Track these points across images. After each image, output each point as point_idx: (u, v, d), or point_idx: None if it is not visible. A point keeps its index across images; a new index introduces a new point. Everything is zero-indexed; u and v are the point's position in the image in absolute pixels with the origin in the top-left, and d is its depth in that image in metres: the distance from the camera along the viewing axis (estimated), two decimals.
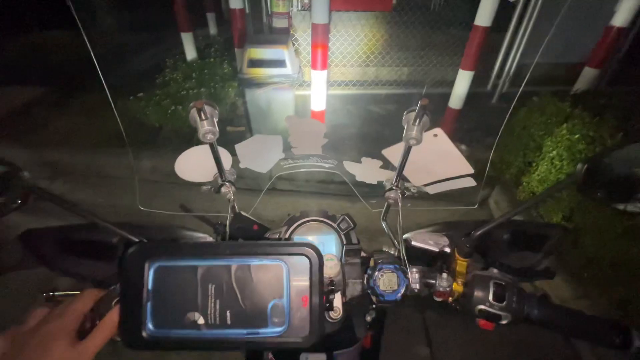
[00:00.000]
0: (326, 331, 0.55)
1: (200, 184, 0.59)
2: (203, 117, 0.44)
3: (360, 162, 0.65)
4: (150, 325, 0.39)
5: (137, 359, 1.58)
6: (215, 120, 0.46)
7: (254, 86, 2.51)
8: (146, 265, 0.39)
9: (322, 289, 0.39)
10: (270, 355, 0.67)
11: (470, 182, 0.57)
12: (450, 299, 0.53)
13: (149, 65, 3.40)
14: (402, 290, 0.49)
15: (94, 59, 0.66)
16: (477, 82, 3.07)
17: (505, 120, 0.74)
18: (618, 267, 1.68)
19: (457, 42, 3.36)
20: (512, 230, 0.63)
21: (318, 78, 2.40)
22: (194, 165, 0.56)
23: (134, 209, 0.66)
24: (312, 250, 0.39)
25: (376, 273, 0.50)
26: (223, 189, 0.57)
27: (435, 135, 0.52)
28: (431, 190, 0.62)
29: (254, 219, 0.63)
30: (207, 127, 0.44)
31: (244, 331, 0.39)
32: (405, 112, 0.48)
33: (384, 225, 0.63)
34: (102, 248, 0.56)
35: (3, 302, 1.80)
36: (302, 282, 0.39)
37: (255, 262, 0.39)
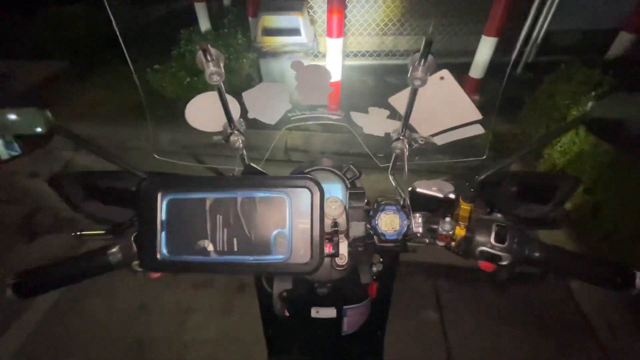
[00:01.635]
0: (332, 278, 0.58)
1: (210, 134, 0.61)
2: (209, 58, 0.45)
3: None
4: (164, 251, 0.42)
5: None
6: (222, 64, 0.47)
7: (269, 56, 2.49)
8: (159, 197, 0.42)
9: (322, 218, 0.41)
10: (282, 306, 0.70)
11: (479, 130, 0.56)
12: (452, 243, 0.54)
13: (164, 37, 3.41)
14: (404, 230, 0.51)
15: (119, 35, 0.68)
16: (502, 50, 2.92)
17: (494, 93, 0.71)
18: (638, 241, 1.64)
19: (483, 9, 3.17)
20: (521, 182, 0.62)
21: (333, 46, 2.35)
22: (204, 113, 0.58)
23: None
24: (312, 183, 0.41)
25: (378, 214, 0.51)
26: (232, 138, 0.59)
27: (442, 78, 0.51)
28: (439, 140, 0.61)
29: (264, 171, 0.65)
30: (212, 68, 0.45)
31: (250, 257, 0.41)
32: (411, 54, 0.48)
33: (391, 178, 0.64)
34: (122, 194, 0.60)
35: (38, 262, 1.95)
36: (304, 212, 0.41)
37: (259, 194, 0.42)
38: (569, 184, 0.61)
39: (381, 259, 0.64)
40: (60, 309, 1.75)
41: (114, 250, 0.49)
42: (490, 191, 0.61)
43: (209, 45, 0.45)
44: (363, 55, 3.47)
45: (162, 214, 0.42)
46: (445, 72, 0.50)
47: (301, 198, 0.41)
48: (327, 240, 0.52)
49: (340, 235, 0.52)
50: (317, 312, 0.68)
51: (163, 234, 0.42)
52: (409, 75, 0.47)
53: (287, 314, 0.67)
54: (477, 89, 2.81)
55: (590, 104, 0.49)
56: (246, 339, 1.61)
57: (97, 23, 3.90)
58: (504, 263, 0.48)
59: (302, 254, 0.41)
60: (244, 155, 0.63)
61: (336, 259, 0.55)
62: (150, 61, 2.99)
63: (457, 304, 1.76)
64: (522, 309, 1.72)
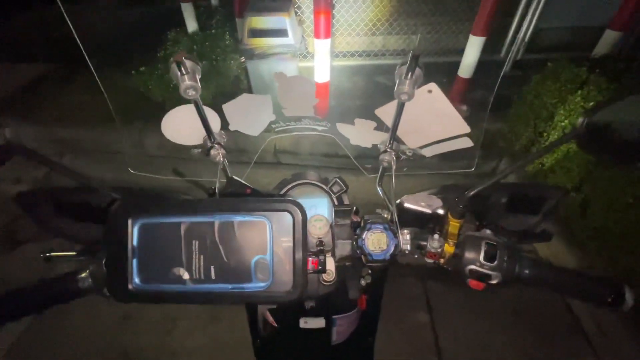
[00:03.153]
0: (319, 293, 0.56)
1: (189, 147, 0.58)
2: (184, 71, 0.42)
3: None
4: (136, 280, 0.39)
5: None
6: (198, 76, 0.45)
7: (256, 57, 2.45)
8: (130, 223, 0.39)
9: (305, 244, 0.39)
10: (272, 319, 0.68)
11: (467, 143, 0.54)
12: (442, 260, 0.52)
13: (150, 38, 3.33)
14: (392, 250, 0.49)
15: (77, 38, 0.65)
16: (491, 49, 2.92)
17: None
18: (626, 238, 1.66)
19: (471, 7, 3.17)
20: (510, 193, 0.61)
21: (321, 47, 2.32)
22: (182, 126, 0.55)
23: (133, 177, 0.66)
24: (294, 206, 0.39)
25: (365, 233, 0.49)
26: (212, 152, 0.56)
27: (430, 92, 0.49)
28: (427, 152, 0.60)
29: (247, 184, 0.63)
30: (187, 82, 0.42)
31: (229, 286, 0.39)
32: (397, 66, 0.46)
33: (379, 190, 0.62)
34: (95, 211, 0.57)
35: (19, 272, 1.89)
36: (286, 237, 0.39)
37: (238, 218, 0.39)
38: (557, 194, 0.60)
39: (370, 271, 0.62)
40: (42, 320, 1.70)
41: (83, 275, 0.46)
42: (479, 203, 0.59)
43: (183, 58, 0.43)
44: (352, 55, 3.45)
45: (133, 240, 0.39)
46: (432, 86, 0.49)
47: (282, 222, 0.39)
48: (313, 257, 0.50)
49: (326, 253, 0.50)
50: (306, 322, 0.66)
51: (135, 261, 0.39)
52: (395, 89, 0.45)
53: (275, 324, 0.65)
54: (466, 90, 2.81)
55: (580, 119, 0.48)
56: (235, 346, 1.58)
57: (82, 25, 3.80)
58: (494, 282, 0.47)
59: (284, 281, 0.39)
60: (226, 168, 0.60)
61: (323, 275, 0.53)
62: (136, 62, 2.92)
63: (448, 306, 1.76)
64: (512, 309, 1.73)
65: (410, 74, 0.43)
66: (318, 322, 0.66)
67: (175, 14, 3.41)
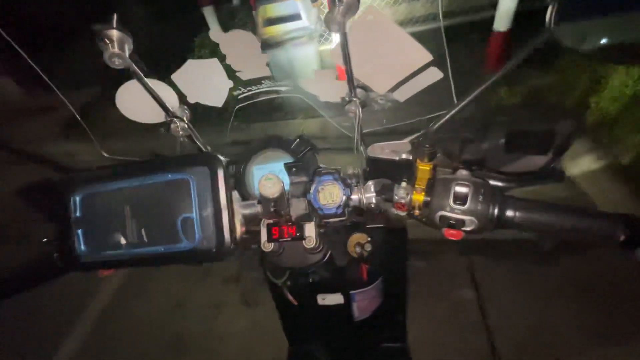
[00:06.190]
0: (308, 262, 0.53)
1: (152, 126, 0.58)
2: (107, 41, 0.42)
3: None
4: (83, 249, 0.40)
5: None
6: (128, 46, 0.44)
7: (273, 46, 2.45)
8: (69, 195, 0.40)
9: (229, 197, 0.37)
10: (290, 296, 0.68)
11: (437, 74, 0.47)
12: (417, 212, 0.46)
13: (180, 46, 3.51)
14: (343, 202, 0.44)
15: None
16: None
17: None
18: None
19: None
20: (510, 132, 0.52)
21: None
22: (139, 102, 0.55)
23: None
24: (211, 159, 0.36)
25: (314, 186, 0.45)
26: (172, 126, 0.55)
27: (371, 18, 0.42)
28: (400, 96, 0.53)
29: (222, 157, 0.61)
30: (111, 50, 0.42)
31: (161, 248, 0.38)
32: None
33: (357, 147, 0.57)
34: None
35: None
36: (208, 192, 0.37)
37: (163, 179, 0.38)
38: (567, 126, 0.49)
39: (369, 239, 0.58)
40: (108, 313, 1.92)
41: (56, 254, 0.49)
42: (473, 149, 0.51)
43: (102, 29, 0.42)
44: None
45: (76, 211, 0.40)
46: (372, 11, 0.42)
47: (205, 178, 0.37)
48: (288, 225, 0.47)
49: (287, 215, 0.47)
50: (324, 299, 0.65)
51: (79, 232, 0.40)
52: (323, 18, 0.39)
53: (295, 302, 0.64)
54: (504, 44, 2.51)
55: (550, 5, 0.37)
56: (274, 329, 1.62)
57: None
58: (469, 228, 0.39)
59: (209, 239, 0.37)
60: (197, 142, 0.59)
61: (304, 242, 0.50)
62: (169, 70, 3.10)
63: (495, 281, 1.61)
64: (575, 282, 1.52)
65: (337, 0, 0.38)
66: (336, 298, 0.64)
67: (199, 20, 3.55)
